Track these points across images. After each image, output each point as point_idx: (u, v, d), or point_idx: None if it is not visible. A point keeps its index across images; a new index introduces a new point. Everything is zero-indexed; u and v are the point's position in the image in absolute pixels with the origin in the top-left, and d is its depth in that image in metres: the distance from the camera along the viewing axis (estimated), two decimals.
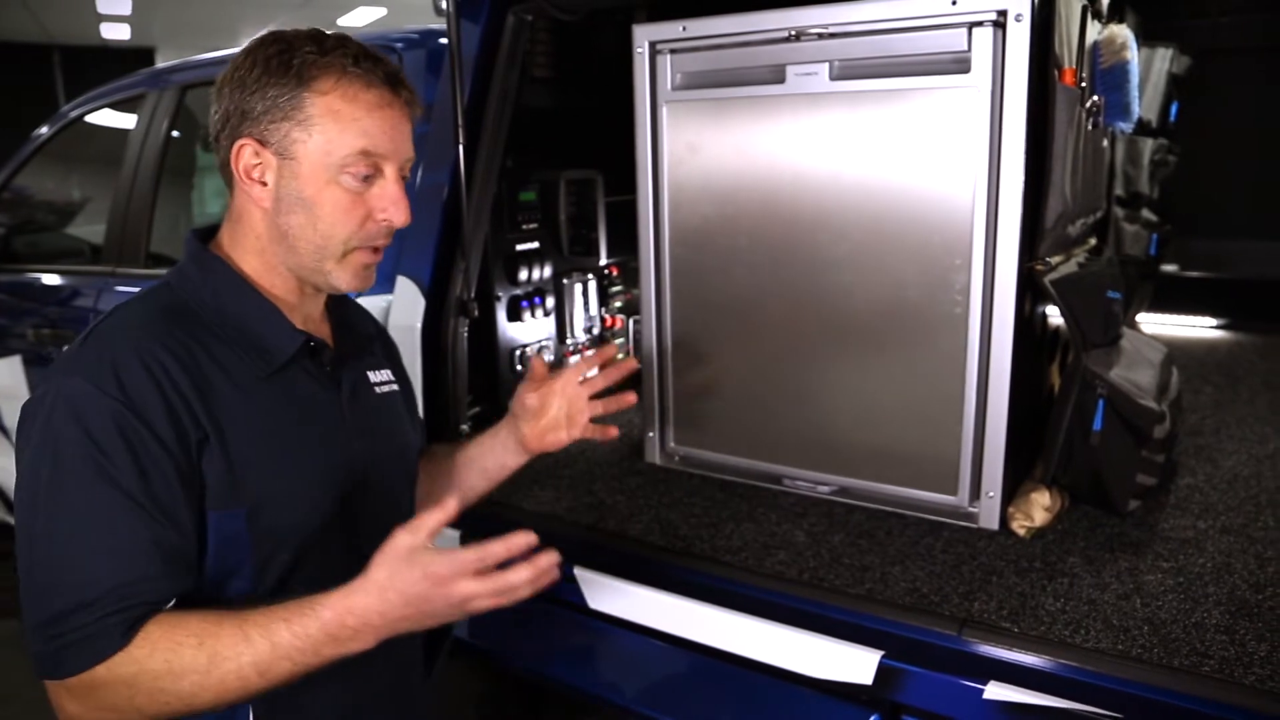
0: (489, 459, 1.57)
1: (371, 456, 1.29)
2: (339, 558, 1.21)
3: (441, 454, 1.60)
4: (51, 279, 3.44)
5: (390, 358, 1.48)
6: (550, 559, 1.09)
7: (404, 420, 1.43)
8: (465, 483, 1.56)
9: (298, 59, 1.13)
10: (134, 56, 11.62)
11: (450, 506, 1.07)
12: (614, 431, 1.58)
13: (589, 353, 1.45)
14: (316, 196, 1.16)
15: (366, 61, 1.15)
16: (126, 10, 10.77)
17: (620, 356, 1.53)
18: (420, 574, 1.03)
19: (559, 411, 1.52)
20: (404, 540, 1.05)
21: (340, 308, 1.37)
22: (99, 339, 1.11)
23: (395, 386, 1.43)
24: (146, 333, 1.11)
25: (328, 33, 1.19)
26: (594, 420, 1.56)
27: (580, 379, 1.54)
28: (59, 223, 4.08)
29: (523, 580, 1.07)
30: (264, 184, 1.18)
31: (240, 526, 1.12)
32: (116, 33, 12.17)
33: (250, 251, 1.23)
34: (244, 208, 1.21)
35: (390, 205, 1.18)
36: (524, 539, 1.07)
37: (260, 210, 1.19)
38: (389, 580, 1.04)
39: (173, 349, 1.11)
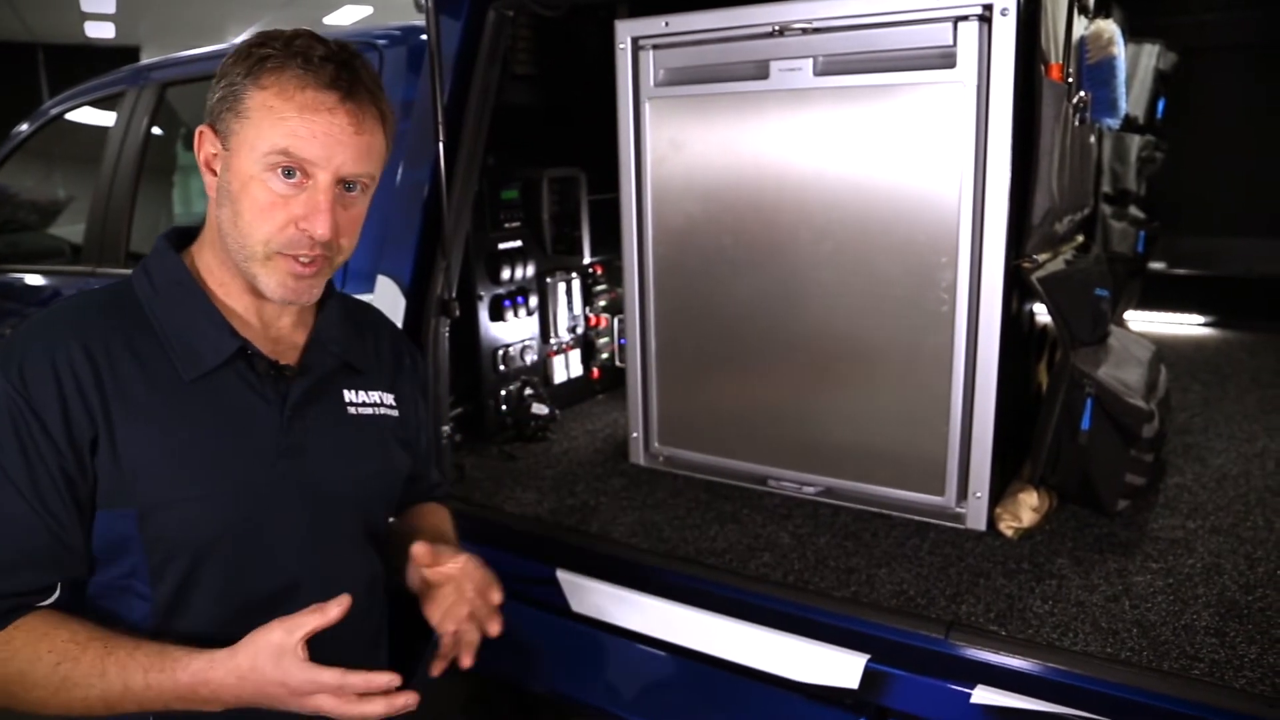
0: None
1: (315, 477, 1.22)
2: (250, 575, 1.17)
3: (423, 521, 1.47)
4: (31, 279, 3.40)
5: (397, 382, 1.40)
6: (407, 699, 1.06)
7: (385, 446, 1.35)
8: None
9: (260, 53, 1.11)
10: (119, 55, 11.54)
11: (331, 613, 1.03)
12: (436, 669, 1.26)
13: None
14: (241, 191, 1.13)
15: (321, 64, 1.11)
16: (111, 9, 10.68)
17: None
18: (280, 679, 1.02)
19: (449, 599, 1.25)
20: (277, 637, 1.03)
21: (333, 318, 1.30)
22: (30, 326, 1.12)
23: (391, 411, 1.35)
24: (71, 326, 1.11)
25: (319, 36, 1.14)
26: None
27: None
28: (40, 222, 4.03)
29: (376, 712, 1.05)
30: (214, 173, 1.16)
31: (131, 528, 1.11)
32: (101, 31, 12.08)
33: (207, 245, 1.21)
34: (209, 200, 1.19)
35: (311, 213, 1.12)
36: (385, 680, 1.04)
37: (212, 201, 1.18)
38: (250, 670, 1.03)
39: (90, 346, 1.10)
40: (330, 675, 1.02)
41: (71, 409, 1.07)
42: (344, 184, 1.15)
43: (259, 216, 1.12)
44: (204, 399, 1.15)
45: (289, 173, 1.11)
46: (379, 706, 1.04)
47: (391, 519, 1.48)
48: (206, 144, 1.16)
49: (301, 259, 1.14)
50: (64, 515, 1.08)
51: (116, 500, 1.10)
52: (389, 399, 1.36)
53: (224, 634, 1.08)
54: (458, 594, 1.23)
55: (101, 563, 1.13)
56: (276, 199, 1.11)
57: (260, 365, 1.20)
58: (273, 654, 1.02)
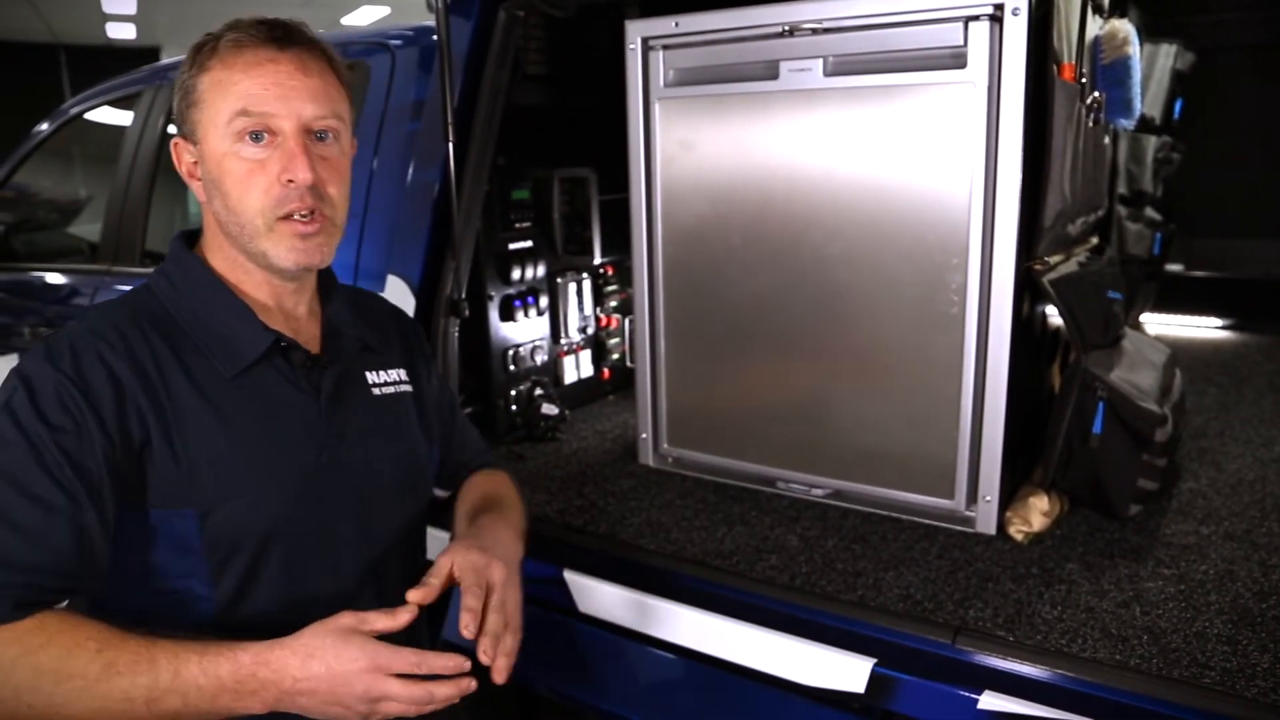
0: None
1: (357, 461, 1.24)
2: (308, 565, 1.18)
3: (484, 497, 1.45)
4: (49, 277, 3.43)
5: (406, 356, 1.41)
6: (470, 684, 1.06)
7: (410, 423, 1.37)
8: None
9: (197, 46, 1.14)
10: (140, 56, 11.64)
11: (401, 618, 1.06)
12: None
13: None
14: (220, 172, 1.14)
15: (254, 26, 1.13)
16: (132, 10, 10.78)
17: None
18: (358, 652, 1.02)
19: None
20: (348, 621, 1.04)
21: (341, 305, 1.32)
22: (72, 330, 1.12)
23: (407, 387, 1.37)
24: (111, 334, 1.11)
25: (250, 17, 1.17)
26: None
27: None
28: (58, 221, 4.07)
29: (444, 696, 1.05)
30: (198, 179, 1.18)
31: (192, 527, 1.11)
32: (122, 32, 12.19)
33: (213, 250, 1.22)
34: (203, 207, 1.20)
35: (288, 163, 1.13)
36: (459, 662, 1.05)
37: (204, 205, 1.19)
38: (318, 648, 1.02)
39: (133, 352, 1.11)
40: (411, 653, 1.02)
41: (126, 404, 1.07)
42: (313, 134, 1.16)
43: (244, 188, 1.13)
44: (247, 394, 1.16)
45: (256, 136, 1.13)
46: (448, 690, 1.04)
47: (442, 492, 1.49)
48: (183, 153, 1.19)
49: (299, 215, 1.15)
50: (106, 505, 1.06)
51: (176, 501, 1.10)
52: (403, 374, 1.38)
53: (284, 626, 1.08)
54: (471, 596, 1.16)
55: (160, 567, 1.12)
56: (253, 164, 1.13)
57: (295, 357, 1.21)
58: (343, 634, 1.03)
